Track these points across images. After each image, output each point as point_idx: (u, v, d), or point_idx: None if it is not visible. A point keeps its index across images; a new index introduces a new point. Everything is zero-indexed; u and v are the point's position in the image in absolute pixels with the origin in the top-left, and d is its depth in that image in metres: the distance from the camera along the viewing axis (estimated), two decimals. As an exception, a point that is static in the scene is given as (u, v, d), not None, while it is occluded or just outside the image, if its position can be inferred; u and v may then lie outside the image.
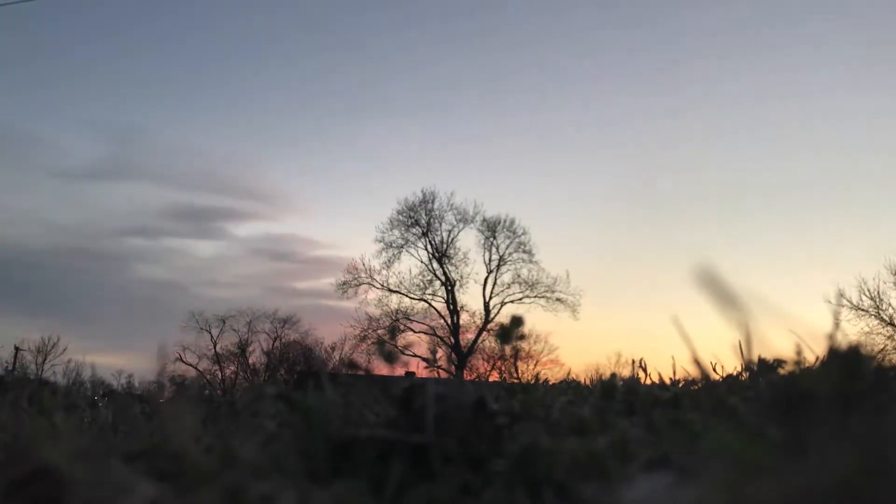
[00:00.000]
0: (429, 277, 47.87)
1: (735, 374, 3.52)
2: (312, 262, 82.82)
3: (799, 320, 1.47)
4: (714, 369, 3.65)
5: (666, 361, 3.77)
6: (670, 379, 3.70)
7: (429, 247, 47.89)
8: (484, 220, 47.64)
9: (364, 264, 47.62)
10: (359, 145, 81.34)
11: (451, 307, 47.23)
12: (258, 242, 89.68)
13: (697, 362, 1.87)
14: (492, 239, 47.66)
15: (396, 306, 47.63)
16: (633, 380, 3.33)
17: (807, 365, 1.88)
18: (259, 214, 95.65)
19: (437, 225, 47.52)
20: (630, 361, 4.07)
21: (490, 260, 47.66)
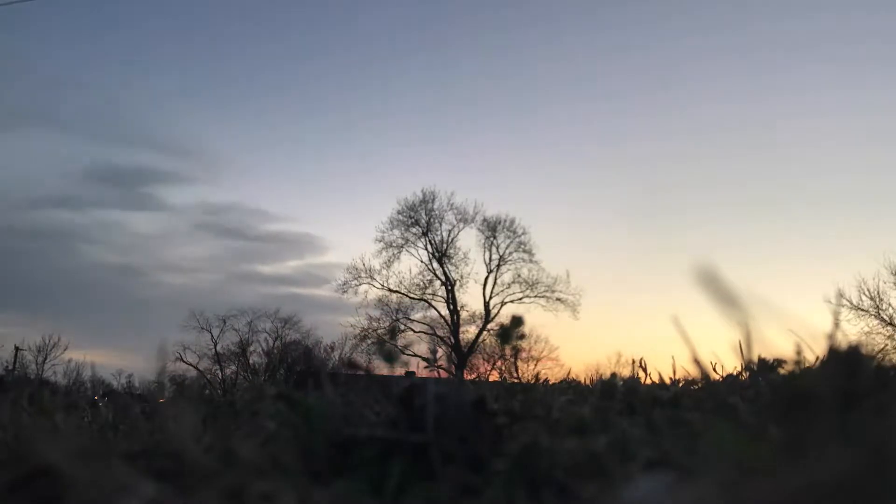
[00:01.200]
0: (429, 277, 47.94)
1: (735, 373, 3.53)
2: (270, 239, 73.98)
3: (799, 320, 1.47)
4: (714, 369, 3.65)
5: (666, 361, 3.77)
6: (670, 379, 3.71)
7: (429, 246, 47.95)
8: (484, 219, 47.73)
9: (364, 264, 47.67)
10: (305, 97, 77.54)
11: (451, 307, 47.26)
12: (199, 214, 79.87)
13: (697, 362, 1.87)
14: (492, 239, 47.73)
15: (396, 306, 47.67)
16: (633, 379, 3.33)
17: (807, 365, 1.88)
18: (194, 177, 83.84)
19: (437, 224, 47.61)
20: (630, 361, 4.08)
21: (490, 260, 47.73)
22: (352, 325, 47.09)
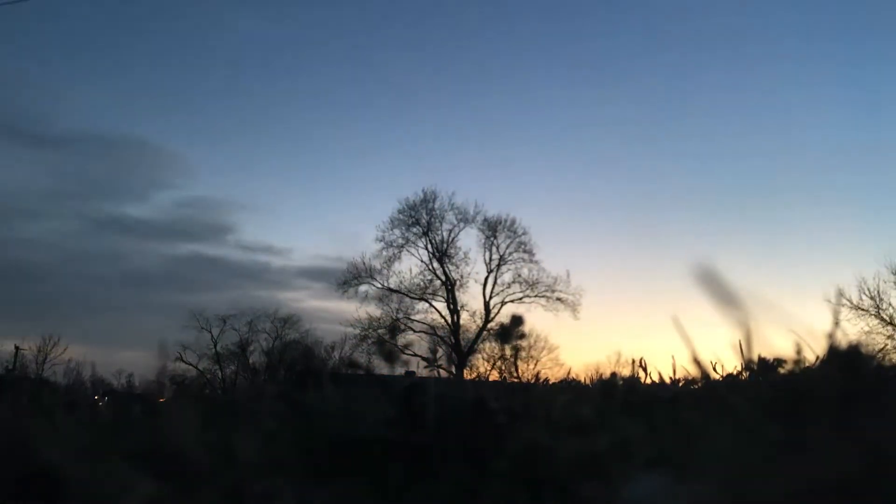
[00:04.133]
0: (429, 277, 47.97)
1: (735, 373, 3.52)
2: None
3: (799, 320, 1.47)
4: (714, 369, 3.65)
5: (666, 361, 3.77)
6: (670, 378, 3.70)
7: (429, 246, 47.98)
8: (484, 219, 47.74)
9: (364, 264, 47.73)
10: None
11: (452, 307, 47.32)
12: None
13: (697, 362, 1.87)
14: (492, 238, 47.76)
15: (397, 306, 47.73)
16: (633, 379, 3.33)
17: (807, 364, 1.88)
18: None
19: (437, 224, 47.62)
20: (630, 361, 4.08)
21: (490, 259, 47.77)
22: (352, 325, 47.20)
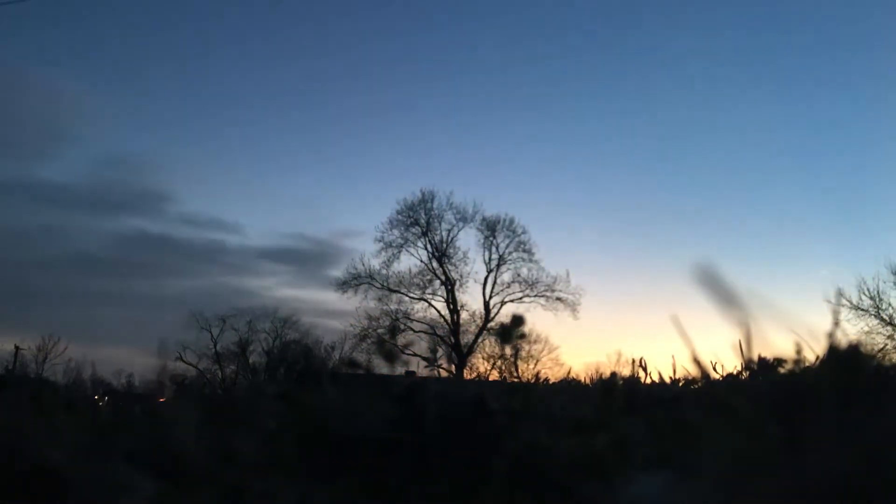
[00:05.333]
0: (429, 277, 48.01)
1: (735, 373, 3.52)
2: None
3: (799, 320, 1.47)
4: (714, 368, 3.65)
5: (666, 360, 3.77)
6: (670, 378, 3.70)
7: (428, 246, 48.02)
8: (483, 219, 47.77)
9: (364, 264, 47.79)
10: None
11: (451, 306, 47.33)
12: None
13: (697, 361, 1.87)
14: (491, 238, 47.78)
15: (396, 306, 47.78)
16: (633, 379, 3.33)
17: (807, 364, 1.88)
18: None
19: (436, 224, 47.67)
20: (630, 361, 4.08)
21: (490, 259, 47.80)
22: (352, 325, 47.28)
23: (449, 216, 47.26)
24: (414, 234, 47.39)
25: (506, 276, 46.71)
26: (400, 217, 47.00)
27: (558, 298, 46.18)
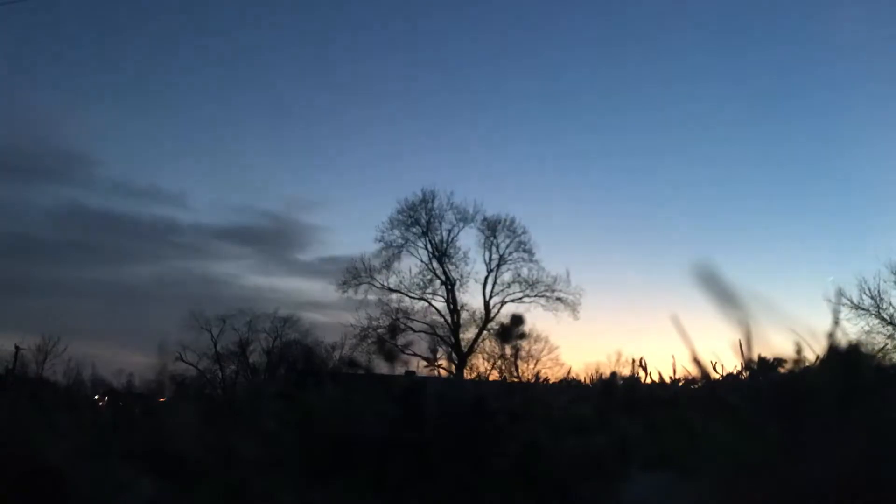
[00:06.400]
0: (429, 276, 48.08)
1: (735, 373, 3.52)
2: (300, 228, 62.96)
3: (799, 320, 1.47)
4: (714, 368, 3.65)
5: (666, 360, 3.77)
6: (670, 378, 3.70)
7: (429, 246, 48.09)
8: (484, 219, 47.83)
9: (364, 264, 47.85)
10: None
11: (452, 306, 47.38)
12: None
13: (697, 361, 1.87)
14: (492, 238, 47.85)
15: (396, 305, 47.86)
16: (633, 379, 3.33)
17: (807, 364, 1.88)
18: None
19: (437, 224, 47.76)
20: (630, 361, 4.08)
21: (490, 259, 47.86)
22: (352, 325, 47.33)
23: (449, 216, 47.29)
24: (414, 233, 47.42)
25: (506, 276, 46.74)
26: (400, 217, 47.04)
27: (558, 298, 46.21)
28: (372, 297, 46.47)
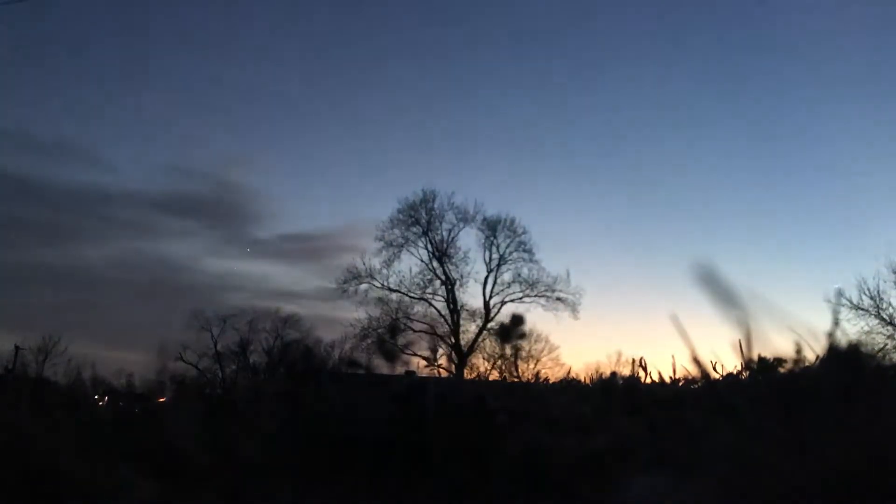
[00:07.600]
0: (429, 276, 48.02)
1: (735, 372, 3.52)
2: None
3: (799, 320, 1.47)
4: (714, 368, 3.64)
5: (666, 360, 3.76)
6: (670, 378, 3.70)
7: (429, 246, 48.03)
8: (484, 219, 47.75)
9: (364, 263, 47.82)
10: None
11: (452, 306, 47.29)
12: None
13: (697, 361, 1.87)
14: (492, 238, 47.78)
15: (397, 305, 47.83)
16: (633, 379, 3.33)
17: (807, 364, 1.87)
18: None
19: (437, 224, 47.70)
20: (630, 360, 4.08)
21: (490, 259, 47.79)
22: (352, 325, 47.31)
23: (450, 216, 47.22)
24: (414, 233, 47.36)
25: (506, 276, 46.68)
26: (400, 216, 46.97)
27: (558, 298, 46.13)
28: (372, 296, 46.44)
